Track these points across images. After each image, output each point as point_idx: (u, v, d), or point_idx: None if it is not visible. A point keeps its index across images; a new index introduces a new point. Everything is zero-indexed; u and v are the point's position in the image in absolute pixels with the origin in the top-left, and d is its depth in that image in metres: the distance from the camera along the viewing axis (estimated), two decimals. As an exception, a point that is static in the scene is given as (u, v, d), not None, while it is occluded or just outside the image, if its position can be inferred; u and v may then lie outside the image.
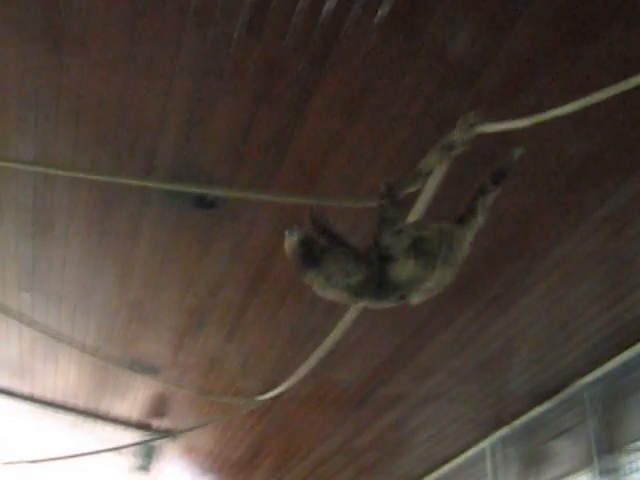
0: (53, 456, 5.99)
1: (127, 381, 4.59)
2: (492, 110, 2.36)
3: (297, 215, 2.39)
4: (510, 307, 3.38)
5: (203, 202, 2.99)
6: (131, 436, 5.38)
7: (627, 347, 3.57)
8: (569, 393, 3.92)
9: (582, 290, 3.22)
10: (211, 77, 2.46)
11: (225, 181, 2.90)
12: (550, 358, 3.74)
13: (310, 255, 1.87)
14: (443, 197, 2.49)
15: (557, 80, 2.31)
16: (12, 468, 6.21)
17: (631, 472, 3.55)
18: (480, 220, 1.98)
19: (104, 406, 5.05)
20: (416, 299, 1.88)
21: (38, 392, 4.98)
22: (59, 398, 5.01)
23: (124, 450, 5.62)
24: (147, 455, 5.43)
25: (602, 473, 3.61)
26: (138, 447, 5.41)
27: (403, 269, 1.81)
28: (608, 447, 3.63)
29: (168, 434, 5.26)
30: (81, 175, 2.94)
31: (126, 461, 5.63)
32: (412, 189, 2.07)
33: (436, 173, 2.11)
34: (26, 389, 4.96)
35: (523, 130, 2.06)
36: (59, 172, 2.92)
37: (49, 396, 5.02)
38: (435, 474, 5.10)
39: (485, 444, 4.56)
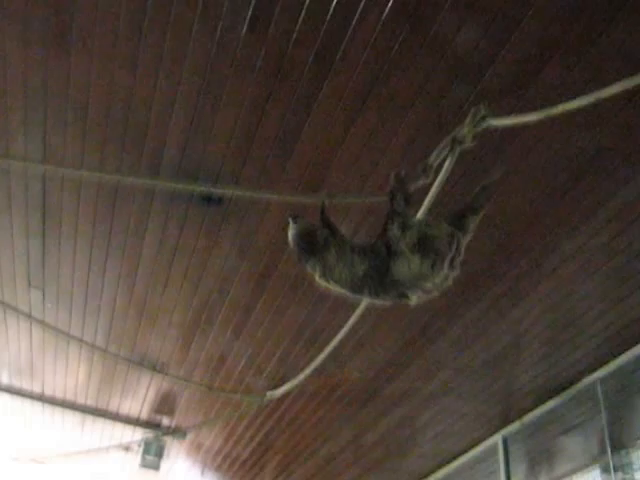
0: (62, 454, 6.03)
1: (136, 379, 4.60)
2: (500, 104, 2.35)
3: (304, 211, 2.38)
4: (519, 302, 3.37)
5: (210, 199, 2.99)
6: (140, 434, 5.39)
7: (638, 342, 3.55)
8: (580, 388, 3.90)
9: (592, 285, 3.20)
10: (218, 73, 2.45)
11: (232, 178, 2.89)
12: (560, 353, 3.72)
13: (312, 244, 1.87)
14: (451, 191, 2.48)
15: (565, 74, 2.29)
16: (22, 466, 6.25)
17: (643, 467, 3.54)
18: (468, 237, 1.95)
19: (113, 404, 5.06)
20: (416, 298, 1.86)
21: (48, 390, 5.00)
22: (68, 396, 5.03)
23: (133, 448, 5.65)
24: (155, 452, 5.44)
25: (614, 468, 3.59)
26: (147, 444, 5.42)
27: (407, 265, 1.79)
28: (619, 442, 3.61)
29: (176, 432, 5.27)
30: (88, 174, 2.95)
31: (135, 458, 5.64)
32: (421, 183, 2.05)
33: (444, 168, 2.09)
34: (36, 388, 4.97)
35: (531, 124, 2.05)
36: (67, 171, 2.93)
37: (59, 394, 5.03)
38: (444, 471, 5.09)
39: (495, 440, 4.54)
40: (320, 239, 1.88)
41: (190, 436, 5.29)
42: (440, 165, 2.07)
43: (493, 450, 4.57)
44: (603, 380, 3.76)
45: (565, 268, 3.13)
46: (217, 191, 2.97)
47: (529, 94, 2.36)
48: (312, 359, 3.57)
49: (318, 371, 3.66)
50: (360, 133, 2.63)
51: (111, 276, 3.62)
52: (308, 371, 3.65)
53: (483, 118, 1.92)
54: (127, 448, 5.72)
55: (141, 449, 5.48)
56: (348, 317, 3.14)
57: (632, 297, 3.24)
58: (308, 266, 1.91)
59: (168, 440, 5.37)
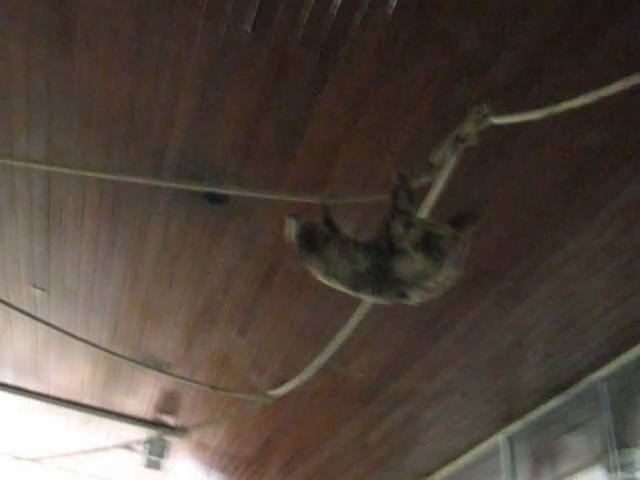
0: (66, 453, 6.05)
1: (140, 378, 4.61)
2: (503, 102, 2.36)
3: (308, 209, 2.39)
4: (522, 301, 3.37)
5: (214, 198, 3.00)
6: (144, 433, 5.40)
7: (641, 340, 3.55)
8: (583, 387, 3.90)
9: (595, 283, 3.20)
10: (220, 72, 2.46)
11: (235, 176, 2.90)
12: (563, 352, 3.72)
13: (313, 240, 1.88)
14: (454, 190, 2.48)
15: (569, 72, 2.29)
16: (27, 465, 6.27)
17: (646, 466, 3.53)
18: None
19: (117, 403, 5.07)
20: (416, 298, 1.86)
21: (53, 390, 5.01)
22: (73, 396, 5.04)
23: (136, 447, 5.66)
24: (160, 452, 5.46)
25: (616, 467, 3.59)
26: (150, 444, 5.44)
27: (410, 263, 1.79)
28: (623, 441, 3.60)
29: (180, 431, 5.28)
30: (93, 174, 2.96)
31: (139, 458, 5.66)
32: (424, 181, 2.06)
33: (447, 166, 2.10)
34: (41, 387, 4.99)
35: (535, 122, 2.05)
36: (70, 171, 2.94)
37: (63, 394, 5.04)
38: (447, 469, 5.09)
39: (499, 438, 4.54)
40: (321, 235, 1.89)
41: (194, 436, 5.30)
42: (443, 164, 2.08)
43: (497, 449, 4.57)
44: (607, 379, 3.76)
45: (569, 267, 3.13)
46: (221, 191, 2.98)
47: (532, 93, 2.36)
48: (316, 358, 3.58)
49: (322, 370, 3.66)
50: (363, 132, 2.63)
51: (116, 276, 3.63)
52: (312, 370, 3.66)
53: (485, 116, 1.93)
54: (131, 448, 5.73)
55: (145, 449, 5.50)
56: (352, 316, 3.15)
57: (636, 296, 3.24)
58: (309, 263, 1.91)
59: (172, 440, 5.38)
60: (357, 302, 2.82)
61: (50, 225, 3.33)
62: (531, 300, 3.35)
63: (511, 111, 2.10)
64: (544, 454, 4.22)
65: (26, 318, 3.88)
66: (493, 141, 2.49)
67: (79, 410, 5.15)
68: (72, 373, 4.71)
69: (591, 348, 3.66)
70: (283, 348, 4.02)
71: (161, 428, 5.32)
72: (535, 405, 4.23)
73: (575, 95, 1.80)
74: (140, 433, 5.41)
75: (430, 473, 5.23)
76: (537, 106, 1.95)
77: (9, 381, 4.98)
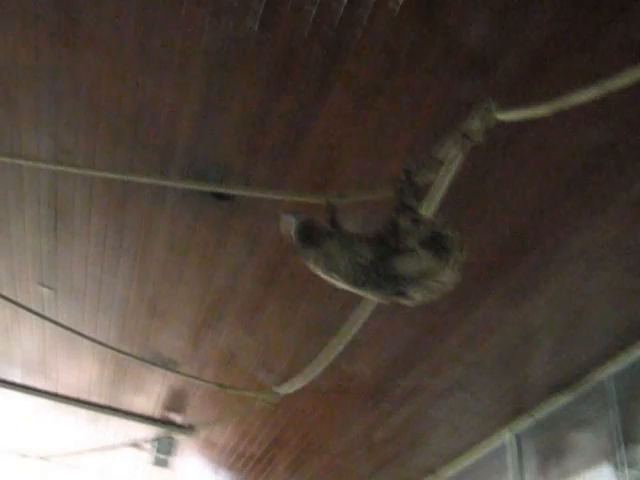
0: (75, 451, 6.07)
1: (147, 376, 4.62)
2: (509, 99, 2.35)
3: (314, 206, 2.39)
4: (529, 298, 3.36)
5: (221, 195, 3.01)
6: (152, 431, 5.42)
7: (650, 338, 3.54)
8: (591, 384, 3.89)
9: (603, 280, 3.19)
10: (225, 69, 2.46)
11: (241, 173, 2.90)
12: (571, 349, 3.71)
13: (313, 235, 1.88)
14: (460, 187, 2.48)
15: (575, 67, 2.28)
16: (35, 463, 6.30)
17: (654, 463, 3.53)
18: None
19: (125, 402, 5.09)
20: (417, 297, 1.85)
21: (61, 388, 5.03)
22: (81, 394, 5.06)
23: (144, 445, 5.68)
24: (167, 450, 5.48)
25: (624, 464, 3.58)
26: (158, 442, 5.46)
27: (416, 261, 1.79)
28: (630, 438, 3.59)
29: (187, 429, 5.30)
30: (99, 173, 2.97)
31: (147, 456, 5.68)
32: (430, 177, 2.06)
33: (454, 162, 2.10)
34: (49, 386, 5.01)
35: (541, 119, 2.04)
36: (77, 171, 2.95)
37: (71, 392, 5.06)
38: (455, 467, 5.08)
39: (506, 436, 4.53)
40: (321, 231, 1.89)
41: (202, 434, 5.31)
42: (448, 160, 2.08)
43: (504, 446, 4.56)
44: (615, 376, 3.74)
45: (576, 264, 3.12)
46: (228, 191, 2.98)
47: (538, 89, 2.36)
48: (324, 356, 3.58)
49: (329, 368, 3.67)
50: (369, 130, 2.63)
51: (123, 274, 3.64)
52: (320, 368, 3.66)
53: (491, 112, 1.93)
54: (139, 446, 5.75)
55: (153, 447, 5.52)
56: (359, 313, 3.16)
57: (644, 292, 3.23)
58: (308, 258, 1.91)
59: (180, 438, 5.40)
60: (364, 299, 2.82)
61: (57, 224, 3.35)
62: (538, 298, 3.35)
63: (517, 107, 2.10)
64: (551, 451, 4.21)
65: (34, 317, 3.90)
66: (499, 139, 2.48)
67: (87, 408, 5.18)
68: (80, 371, 4.72)
69: (599, 345, 3.65)
70: (290, 346, 4.02)
71: (169, 426, 5.33)
72: (542, 402, 4.22)
73: (582, 90, 1.79)
74: (148, 431, 5.43)
75: (437, 471, 5.23)
76: (543, 102, 1.94)
77: (17, 380, 5.00)
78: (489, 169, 2.71)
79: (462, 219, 2.90)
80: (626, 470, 3.57)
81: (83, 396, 5.09)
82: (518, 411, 4.37)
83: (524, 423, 4.40)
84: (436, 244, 1.78)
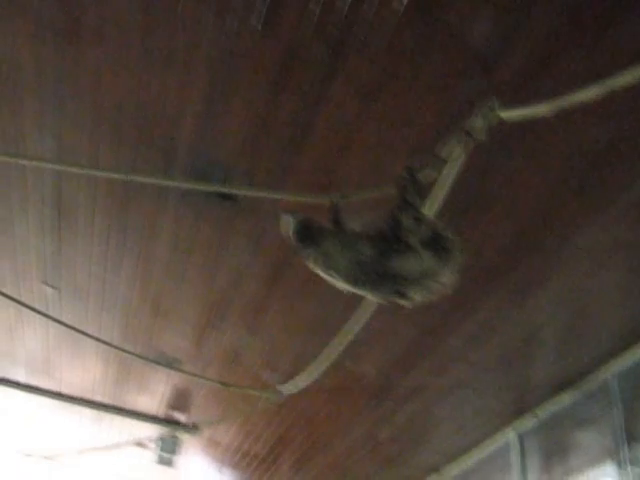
0: (78, 451, 6.09)
1: (151, 375, 4.63)
2: (513, 96, 2.35)
3: (317, 206, 2.39)
4: (532, 297, 3.36)
5: (224, 195, 3.01)
6: (156, 430, 5.43)
7: (653, 336, 3.54)
8: (595, 383, 3.89)
9: (606, 278, 3.19)
10: (229, 69, 2.47)
11: (244, 173, 2.91)
12: (574, 348, 3.71)
13: (310, 234, 1.88)
14: (463, 186, 2.48)
15: (578, 65, 2.28)
16: (39, 463, 6.31)
17: (658, 462, 3.52)
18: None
19: (129, 401, 5.10)
20: (416, 298, 1.85)
21: (64, 388, 5.04)
22: (85, 393, 5.07)
23: (148, 444, 5.69)
24: (171, 449, 5.48)
25: (627, 462, 3.58)
26: (162, 441, 5.46)
27: (416, 261, 1.79)
28: (633, 436, 3.59)
29: (191, 428, 5.31)
30: (102, 173, 2.97)
31: (151, 455, 5.68)
32: (432, 175, 2.06)
33: (456, 161, 2.10)
34: (53, 385, 5.02)
35: (543, 118, 2.04)
36: (81, 170, 2.95)
37: (75, 391, 5.08)
38: (458, 465, 5.08)
39: (509, 434, 4.53)
40: (321, 229, 1.89)
41: (206, 433, 5.32)
42: (451, 158, 2.08)
43: (507, 445, 4.56)
44: (618, 374, 3.74)
45: (579, 262, 3.11)
46: (231, 191, 2.98)
47: (541, 87, 2.35)
48: (327, 354, 3.58)
49: (333, 366, 3.67)
50: (372, 128, 2.63)
51: (126, 274, 3.65)
52: (323, 366, 3.67)
53: (494, 110, 1.93)
54: (143, 445, 5.76)
55: (157, 446, 5.53)
56: (362, 312, 3.16)
57: (647, 291, 3.23)
58: (307, 257, 1.91)
59: (184, 437, 5.41)
60: (366, 299, 2.82)
61: (61, 224, 3.35)
62: (541, 296, 3.34)
63: (520, 106, 2.09)
64: (555, 450, 4.21)
65: (37, 316, 3.91)
66: (502, 137, 2.48)
67: (91, 408, 5.19)
68: (84, 371, 4.73)
69: (602, 344, 3.64)
70: (294, 344, 4.03)
71: (173, 425, 5.34)
72: (546, 401, 4.22)
73: (585, 88, 1.79)
74: (152, 430, 5.44)
75: (441, 469, 5.23)
76: (546, 100, 1.94)
77: (21, 379, 5.01)
78: (491, 169, 2.71)
79: (465, 218, 2.90)
80: (629, 468, 3.57)
81: (87, 395, 5.10)
82: (522, 410, 4.36)
83: (528, 422, 4.40)
84: (437, 244, 1.79)
